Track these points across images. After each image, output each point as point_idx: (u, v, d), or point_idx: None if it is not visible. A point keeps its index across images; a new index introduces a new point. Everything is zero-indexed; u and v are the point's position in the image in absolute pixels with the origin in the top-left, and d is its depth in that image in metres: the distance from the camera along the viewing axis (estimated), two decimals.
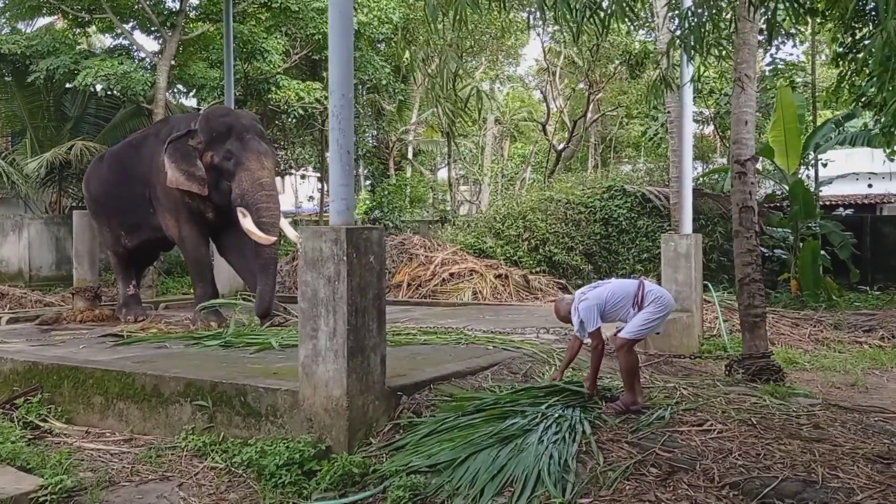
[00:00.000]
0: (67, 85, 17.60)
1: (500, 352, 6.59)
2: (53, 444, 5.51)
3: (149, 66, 17.31)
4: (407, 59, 23.94)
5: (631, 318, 5.43)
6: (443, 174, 38.87)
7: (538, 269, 14.94)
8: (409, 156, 31.79)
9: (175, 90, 19.18)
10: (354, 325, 4.74)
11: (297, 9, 16.99)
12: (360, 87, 21.04)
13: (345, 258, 4.68)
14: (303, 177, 35.03)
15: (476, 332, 7.86)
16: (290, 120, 19.06)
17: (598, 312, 5.38)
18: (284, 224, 8.77)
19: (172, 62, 17.45)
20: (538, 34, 23.76)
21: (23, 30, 18.49)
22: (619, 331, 5.43)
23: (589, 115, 23.36)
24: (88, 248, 11.03)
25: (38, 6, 17.43)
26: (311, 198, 31.30)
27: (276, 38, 17.44)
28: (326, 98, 17.65)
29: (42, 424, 5.85)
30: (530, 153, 28.32)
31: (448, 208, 26.21)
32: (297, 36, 18.31)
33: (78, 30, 19.27)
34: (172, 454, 5.18)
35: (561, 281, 14.19)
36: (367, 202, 23.70)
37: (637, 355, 5.55)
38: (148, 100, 17.38)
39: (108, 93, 17.20)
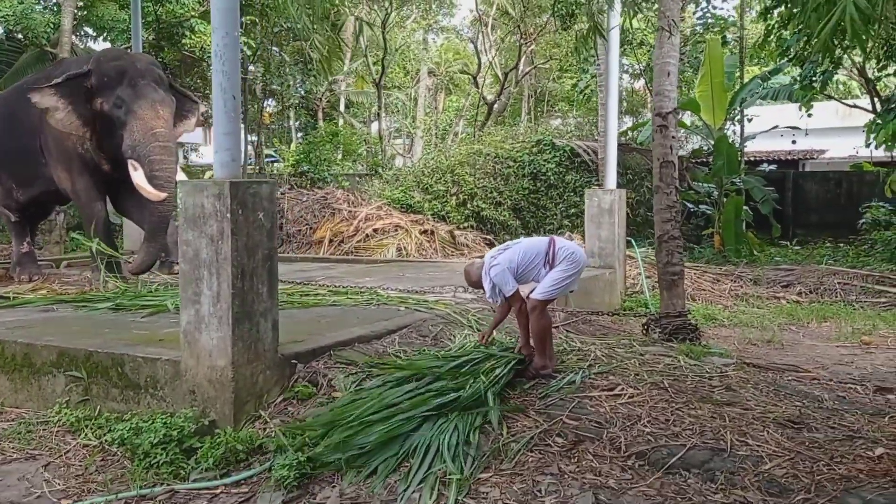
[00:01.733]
0: None
1: (412, 313, 6.27)
2: None
3: (53, 7, 16.19)
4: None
5: (542, 277, 5.16)
6: (376, 127, 38.17)
7: (466, 224, 14.66)
8: (341, 107, 30.97)
9: (82, 33, 18.02)
10: (241, 289, 4.33)
11: None
12: (283, 34, 20.17)
13: (228, 215, 4.25)
14: (251, 129, 33.90)
15: (391, 291, 7.53)
16: (203, 68, 18.13)
17: (512, 275, 5.10)
18: (182, 179, 8.18)
19: (80, 3, 16.35)
20: None
21: None
22: (531, 292, 5.16)
23: (521, 67, 22.95)
24: None
25: None
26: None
27: None
28: (246, 44, 16.87)
29: None
30: (463, 106, 27.83)
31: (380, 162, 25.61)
32: None
33: None
34: (44, 430, 4.73)
35: (488, 237, 13.94)
36: (295, 155, 22.94)
37: (550, 317, 5.29)
38: (52, 43, 16.29)
39: (10, 35, 16.03)
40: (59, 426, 4.72)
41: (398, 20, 25.12)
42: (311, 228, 13.03)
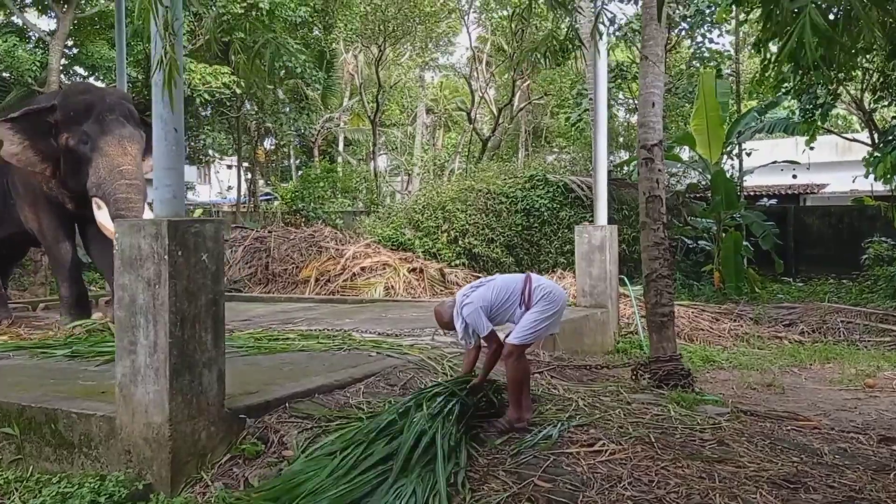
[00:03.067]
0: None
1: (383, 359, 5.86)
2: None
3: (42, 46, 16.04)
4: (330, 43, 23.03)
5: (518, 318, 4.77)
6: (382, 162, 38.00)
7: (457, 262, 14.31)
8: (340, 144, 30.81)
9: (72, 72, 17.87)
10: (180, 338, 3.95)
11: None
12: (277, 73, 19.99)
13: (166, 256, 3.88)
14: (229, 167, 33.77)
15: (367, 334, 7.15)
16: (196, 106, 17.95)
17: (486, 315, 4.72)
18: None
19: (69, 42, 16.23)
20: (464, 20, 23.04)
21: None
22: (507, 336, 4.76)
23: (516, 103, 22.77)
24: None
25: None
26: (230, 188, 30.03)
27: (185, 15, 16.28)
28: (235, 83, 16.70)
29: None
30: (458, 142, 27.66)
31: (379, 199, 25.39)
32: (204, 16, 17.21)
33: None
34: None
35: (479, 275, 13.53)
36: (290, 192, 22.67)
37: (527, 364, 4.90)
38: (40, 82, 16.12)
39: (5, 74, 15.86)
40: None
41: (393, 58, 25.03)
42: (297, 267, 12.66)
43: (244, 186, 23.23)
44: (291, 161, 29.48)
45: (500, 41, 24.79)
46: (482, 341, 4.89)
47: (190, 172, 25.01)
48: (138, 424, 4.00)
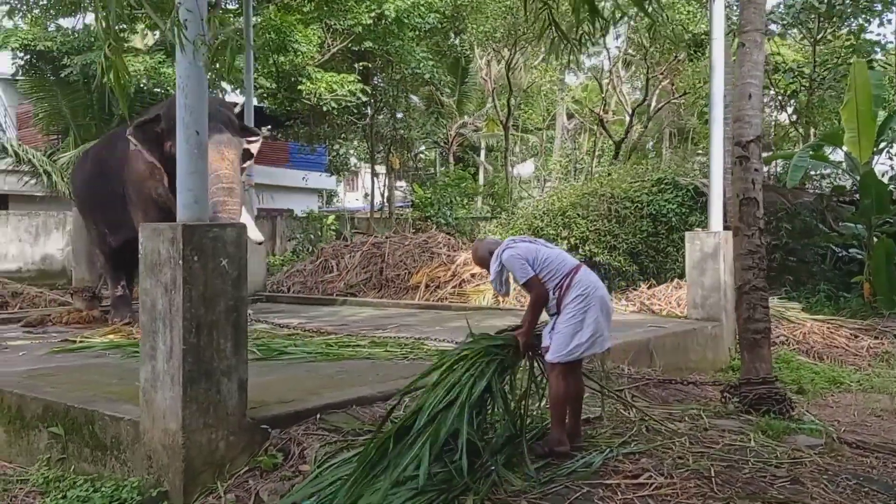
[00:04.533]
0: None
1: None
2: None
3: None
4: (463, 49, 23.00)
5: (552, 302, 4.29)
6: (525, 169, 37.64)
7: None
8: (482, 151, 30.80)
9: (214, 85, 18.85)
10: (195, 344, 3.87)
11: None
12: (405, 79, 20.22)
13: (181, 261, 3.82)
14: (377, 174, 34.64)
15: (444, 343, 6.91)
16: (330, 115, 18.41)
17: (525, 260, 4.24)
18: (248, 222, 7.99)
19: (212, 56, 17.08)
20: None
21: (64, 27, 18.51)
22: (546, 350, 4.35)
23: (654, 102, 21.81)
24: (85, 247, 10.66)
25: (79, 2, 17.45)
26: (366, 195, 30.65)
27: (312, 29, 16.79)
28: (362, 90, 16.99)
29: None
30: (594, 145, 26.88)
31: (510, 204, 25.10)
32: (336, 27, 17.64)
33: (125, 26, 19.26)
34: (18, 489, 4.45)
35: None
36: (421, 199, 22.87)
37: (575, 383, 4.40)
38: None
39: (144, 88, 16.97)
40: (32, 486, 4.43)
41: (524, 61, 24.68)
42: (409, 273, 12.62)
43: (377, 193, 23.65)
44: (437, 167, 29.73)
45: (641, 39, 23.83)
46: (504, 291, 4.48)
47: (329, 181, 25.76)
48: (157, 430, 3.97)
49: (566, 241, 14.08)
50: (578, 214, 14.21)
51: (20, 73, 17.45)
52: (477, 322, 8.94)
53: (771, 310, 9.59)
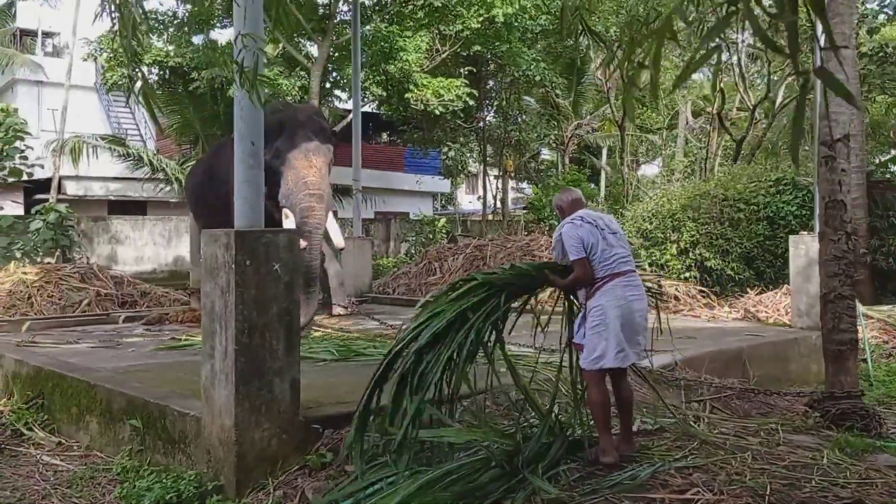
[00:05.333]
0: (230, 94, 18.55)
1: (505, 376, 5.54)
2: (14, 455, 5.35)
3: (304, 73, 17.72)
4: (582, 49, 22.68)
5: (583, 291, 4.25)
6: (651, 170, 36.68)
7: (687, 275, 13.26)
8: (603, 153, 30.29)
9: (332, 95, 19.53)
10: (247, 345, 4.05)
11: (439, 4, 16.55)
12: (517, 82, 20.20)
13: (233, 265, 4.01)
14: (496, 177, 34.77)
15: (522, 348, 6.84)
16: (442, 117, 18.65)
17: (581, 242, 4.17)
18: (332, 228, 8.24)
19: (329, 66, 17.72)
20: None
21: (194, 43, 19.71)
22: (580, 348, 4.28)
23: (780, 98, 20.69)
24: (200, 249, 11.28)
25: (207, 20, 18.53)
26: (479, 197, 30.77)
27: (420, 36, 17.09)
28: (469, 95, 17.11)
29: (27, 432, 5.74)
30: (717, 145, 25.81)
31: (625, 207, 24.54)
32: (446, 32, 17.87)
33: None
34: (102, 477, 4.80)
35: (705, 290, 12.43)
36: (534, 201, 22.76)
37: (605, 393, 4.21)
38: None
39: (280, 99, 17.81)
40: (112, 475, 4.76)
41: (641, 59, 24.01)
42: None
43: (489, 196, 23.72)
44: (559, 169, 29.49)
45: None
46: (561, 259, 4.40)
47: (444, 184, 26.07)
48: (215, 426, 4.17)
49: (675, 245, 13.62)
50: (689, 217, 13.69)
51: (155, 87, 18.69)
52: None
53: (889, 318, 8.97)
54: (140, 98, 2.77)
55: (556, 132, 23.47)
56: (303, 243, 7.78)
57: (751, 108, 20.06)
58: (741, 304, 10.56)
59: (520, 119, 21.25)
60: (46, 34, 26.02)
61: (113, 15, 2.55)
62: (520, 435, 4.24)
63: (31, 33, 25.57)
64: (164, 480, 4.07)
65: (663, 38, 2.53)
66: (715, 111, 21.02)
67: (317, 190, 8.00)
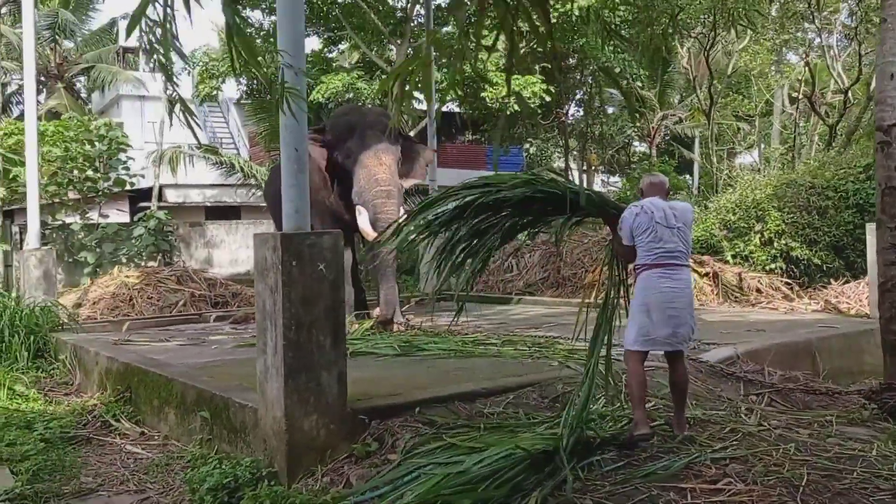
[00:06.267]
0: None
1: (560, 370, 5.65)
2: (101, 444, 5.82)
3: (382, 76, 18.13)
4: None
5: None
6: (749, 159, 35.54)
7: (772, 266, 12.88)
8: (696, 144, 29.59)
9: (413, 96, 19.84)
10: (295, 341, 4.31)
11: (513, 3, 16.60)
12: (597, 75, 20.03)
13: (280, 266, 4.28)
14: (584, 170, 34.53)
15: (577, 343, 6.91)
16: (520, 115, 18.68)
17: (630, 230, 4.39)
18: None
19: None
20: None
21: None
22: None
23: (874, 82, 19.73)
24: None
25: None
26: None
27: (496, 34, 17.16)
28: (546, 91, 17.11)
29: (114, 424, 6.22)
30: (812, 129, 24.78)
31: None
32: (522, 29, 17.88)
33: (334, 48, 20.92)
34: (176, 464, 5.19)
35: (790, 281, 12.05)
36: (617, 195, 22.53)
37: (640, 372, 4.39)
38: (383, 108, 18.25)
39: (340, 104, 18.28)
40: (184, 462, 5.14)
41: (727, 45, 23.38)
42: (586, 271, 12.57)
43: None
44: (654, 161, 28.95)
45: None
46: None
47: None
48: (269, 417, 4.46)
49: (759, 236, 13.26)
50: (774, 207, 13.30)
51: (244, 97, 19.52)
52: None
53: None
54: (180, 115, 2.99)
55: (638, 124, 23.09)
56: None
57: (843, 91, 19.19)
58: (823, 295, 10.21)
59: (600, 112, 21.02)
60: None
61: (146, 32, 2.78)
62: (563, 428, 4.34)
63: (133, 50, 27.04)
64: (224, 467, 4.38)
65: None
66: (802, 95, 20.21)
67: (388, 186, 8.33)
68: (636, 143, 29.27)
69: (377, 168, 8.42)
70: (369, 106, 14.28)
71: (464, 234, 4.66)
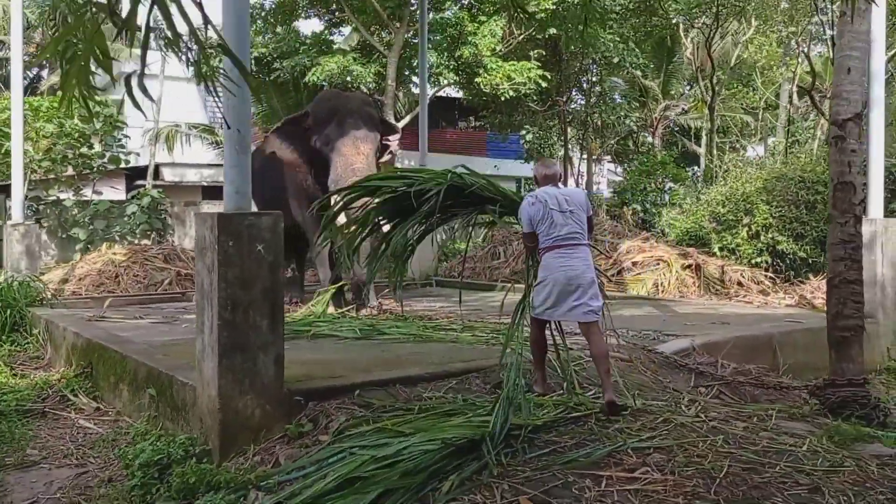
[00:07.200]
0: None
1: (511, 357, 5.63)
2: (56, 419, 5.87)
3: (381, 60, 18.07)
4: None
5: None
6: (757, 152, 35.29)
7: (758, 259, 12.83)
8: (703, 135, 29.41)
9: (408, 80, 19.78)
10: (230, 321, 4.33)
11: None
12: (597, 64, 19.92)
13: (216, 246, 4.29)
14: (570, 160, 34.31)
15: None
16: (521, 101, 18.61)
17: (529, 219, 4.87)
18: None
19: (402, 53, 18.00)
20: None
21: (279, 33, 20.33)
22: None
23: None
24: None
25: (293, 10, 19.16)
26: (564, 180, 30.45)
27: (495, 20, 17.09)
28: (542, 77, 17.02)
29: (72, 398, 6.28)
30: (818, 123, 24.57)
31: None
32: (519, 16, 17.77)
33: (335, 30, 20.86)
34: (122, 440, 5.24)
35: (772, 275, 12.00)
36: (619, 186, 22.39)
37: (542, 338, 5.02)
38: (380, 90, 18.23)
39: (335, 86, 18.23)
40: (129, 438, 5.18)
41: (730, 34, 23.19)
42: None
43: (571, 181, 23.46)
44: (659, 152, 28.77)
45: None
46: None
47: (528, 169, 25.95)
48: (205, 396, 4.49)
49: (746, 229, 13.20)
50: (762, 200, 13.23)
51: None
52: (618, 312, 8.81)
53: None
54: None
55: (637, 114, 22.95)
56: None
57: None
58: (800, 290, 10.18)
59: (598, 101, 20.88)
60: (151, 28, 27.44)
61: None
62: (494, 415, 4.35)
63: (137, 28, 26.95)
64: (158, 443, 4.41)
65: None
66: (799, 87, 20.02)
67: (364, 175, 8.28)
68: (645, 134, 29.12)
69: (354, 157, 8.40)
70: (354, 91, 14.21)
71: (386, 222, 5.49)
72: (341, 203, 5.74)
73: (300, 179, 9.25)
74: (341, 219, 5.93)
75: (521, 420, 4.31)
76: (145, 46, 3.32)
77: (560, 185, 5.13)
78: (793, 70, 26.50)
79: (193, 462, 4.19)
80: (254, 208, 10.84)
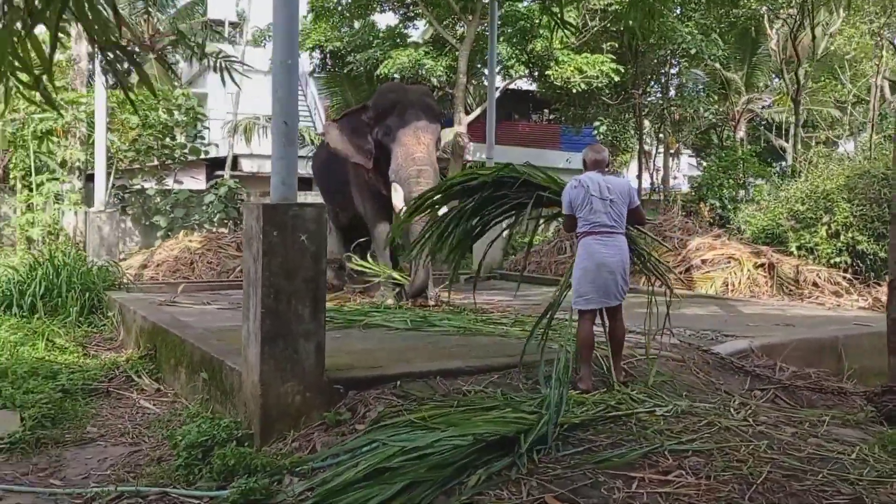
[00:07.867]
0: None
1: (556, 352, 5.58)
2: (119, 398, 6.13)
3: (453, 53, 18.11)
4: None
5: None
6: (848, 147, 33.88)
7: (837, 259, 12.32)
8: (791, 129, 28.40)
9: (479, 73, 19.75)
10: (273, 309, 4.43)
11: None
12: (675, 56, 19.45)
13: (262, 236, 4.40)
14: (646, 153, 33.59)
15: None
16: (596, 94, 18.35)
17: (569, 202, 5.00)
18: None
19: (474, 46, 18.00)
20: None
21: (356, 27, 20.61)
22: None
23: None
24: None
25: (367, 4, 19.39)
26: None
27: (567, 11, 16.88)
28: (615, 70, 16.73)
29: (136, 379, 6.54)
30: None
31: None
32: (594, 7, 17.53)
33: (409, 24, 21.03)
34: (177, 420, 5.42)
35: (850, 277, 11.48)
36: (697, 181, 21.82)
37: (588, 331, 5.00)
38: (451, 83, 18.28)
39: (406, 79, 18.34)
40: (181, 419, 5.37)
41: (819, 25, 22.25)
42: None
43: (645, 176, 23.04)
44: (744, 146, 27.98)
45: None
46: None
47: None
48: (249, 381, 4.61)
49: (826, 227, 12.68)
50: (843, 198, 12.68)
51: (315, 71, 19.86)
52: (680, 311, 8.62)
53: None
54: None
55: (715, 106, 22.29)
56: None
57: None
58: (875, 292, 9.72)
59: (675, 94, 20.39)
60: (233, 24, 28.23)
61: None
62: (541, 414, 4.32)
63: (220, 23, 27.82)
64: (204, 426, 4.55)
65: None
66: (887, 80, 19.05)
67: (424, 165, 8.40)
68: (727, 128, 28.30)
69: (415, 147, 8.49)
70: (416, 84, 14.24)
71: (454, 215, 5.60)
72: (413, 208, 5.91)
73: (362, 171, 9.37)
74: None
75: (562, 419, 4.27)
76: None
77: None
78: (885, 63, 25.29)
79: (234, 445, 4.30)
80: (320, 199, 11.15)
